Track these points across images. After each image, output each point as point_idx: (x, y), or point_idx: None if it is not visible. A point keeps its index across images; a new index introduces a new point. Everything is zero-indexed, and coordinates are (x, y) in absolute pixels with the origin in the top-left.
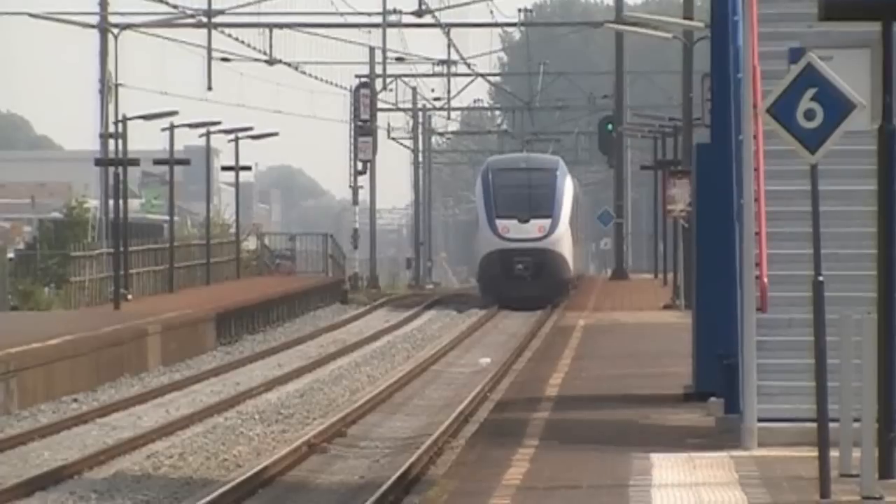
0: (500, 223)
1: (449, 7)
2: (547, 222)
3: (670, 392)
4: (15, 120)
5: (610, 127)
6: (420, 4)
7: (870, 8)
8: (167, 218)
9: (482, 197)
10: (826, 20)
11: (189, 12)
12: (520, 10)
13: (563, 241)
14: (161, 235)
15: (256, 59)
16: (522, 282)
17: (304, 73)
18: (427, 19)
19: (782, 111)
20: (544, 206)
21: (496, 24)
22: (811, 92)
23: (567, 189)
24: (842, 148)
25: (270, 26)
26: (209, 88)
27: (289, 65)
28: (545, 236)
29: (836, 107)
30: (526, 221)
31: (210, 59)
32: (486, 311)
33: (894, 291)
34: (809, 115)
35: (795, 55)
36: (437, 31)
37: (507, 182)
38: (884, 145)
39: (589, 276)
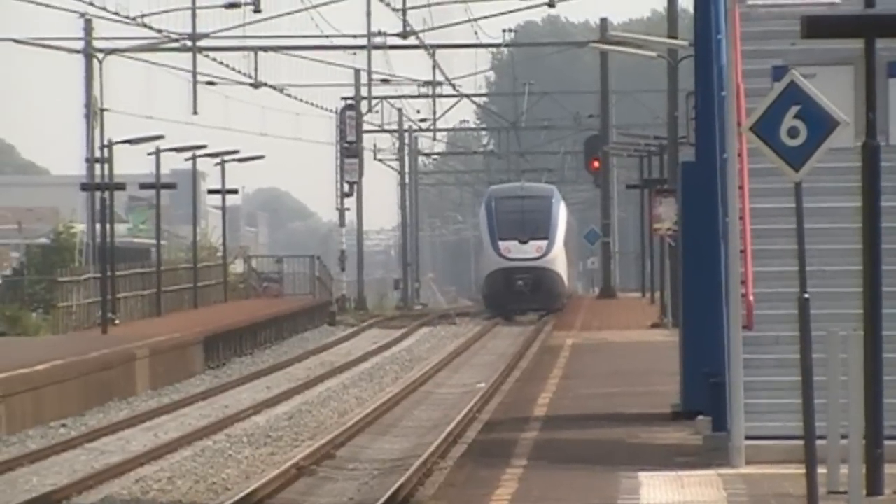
0: (502, 244)
1: (433, 28)
2: (544, 243)
3: (658, 410)
4: (0, 145)
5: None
6: (404, 26)
7: (852, 25)
8: (154, 242)
9: (486, 221)
10: (809, 38)
11: (174, 37)
12: (504, 31)
13: (559, 260)
14: (148, 259)
15: (242, 83)
16: (523, 296)
17: (289, 95)
18: (411, 41)
19: (766, 129)
20: (541, 229)
21: (480, 45)
22: (795, 109)
23: (561, 214)
24: (826, 165)
25: (255, 49)
26: (195, 112)
27: (274, 87)
28: (542, 256)
29: (820, 124)
30: (525, 243)
31: (195, 82)
32: (475, 330)
33: (880, 308)
34: (793, 132)
35: (779, 73)
36: (422, 52)
37: (508, 208)
38: (867, 162)
39: (577, 295)
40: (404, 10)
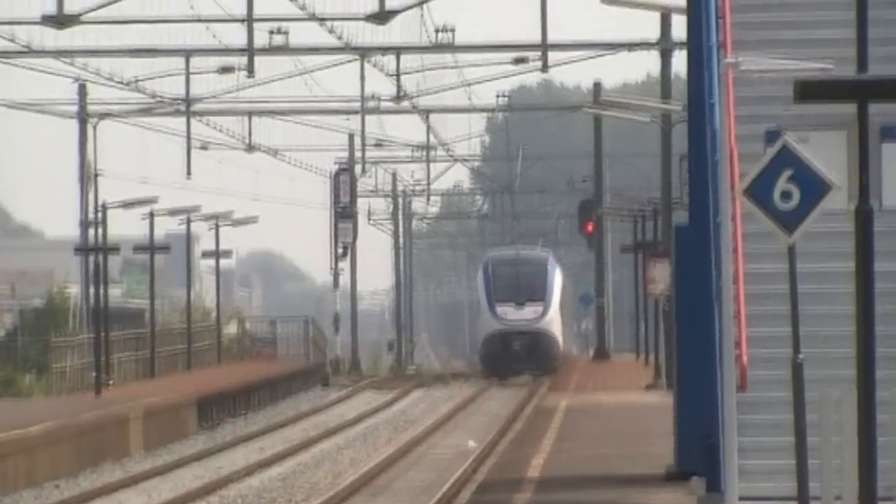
0: (499, 307)
1: (427, 93)
2: (540, 306)
3: (652, 472)
4: None
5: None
6: (398, 90)
7: (845, 89)
8: (148, 304)
9: (483, 285)
10: (802, 101)
11: (167, 100)
12: (498, 95)
13: (554, 323)
14: (142, 321)
15: (235, 147)
16: (519, 358)
17: (283, 159)
18: (405, 105)
19: (759, 192)
20: (537, 292)
21: (474, 110)
22: (788, 173)
23: (557, 278)
24: (819, 229)
25: (249, 113)
26: (189, 175)
27: (268, 151)
28: (538, 319)
29: (813, 188)
30: (522, 306)
31: (189, 146)
32: (470, 391)
33: (873, 371)
34: (786, 196)
35: (771, 136)
36: (416, 116)
37: (505, 272)
38: (861, 226)
39: (572, 357)
40: (398, 75)
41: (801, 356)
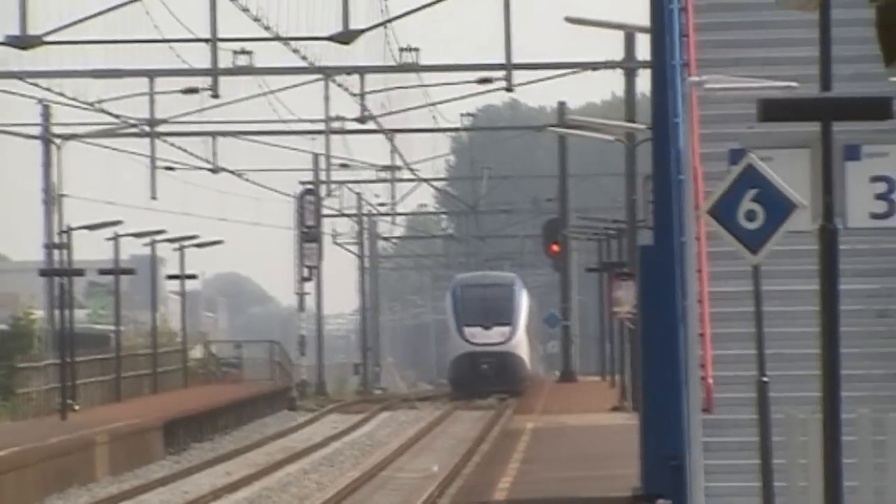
0: (467, 330)
1: (391, 113)
2: (507, 329)
3: (619, 494)
4: None
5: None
6: (362, 111)
7: (808, 108)
8: (114, 327)
9: (452, 309)
10: (765, 121)
11: (132, 122)
12: (462, 115)
13: (521, 344)
14: (108, 345)
15: (200, 167)
16: (487, 379)
17: (248, 180)
18: (370, 125)
19: (724, 212)
20: (504, 315)
21: (438, 130)
22: (752, 192)
23: (523, 301)
24: (784, 248)
25: (214, 134)
26: (153, 197)
27: (233, 172)
28: (506, 341)
29: (778, 207)
30: (489, 329)
31: (154, 168)
32: (436, 414)
33: (839, 391)
34: (751, 215)
35: (736, 156)
36: (381, 136)
37: (473, 296)
38: (825, 245)
39: (539, 378)
40: (362, 95)
41: (766, 377)
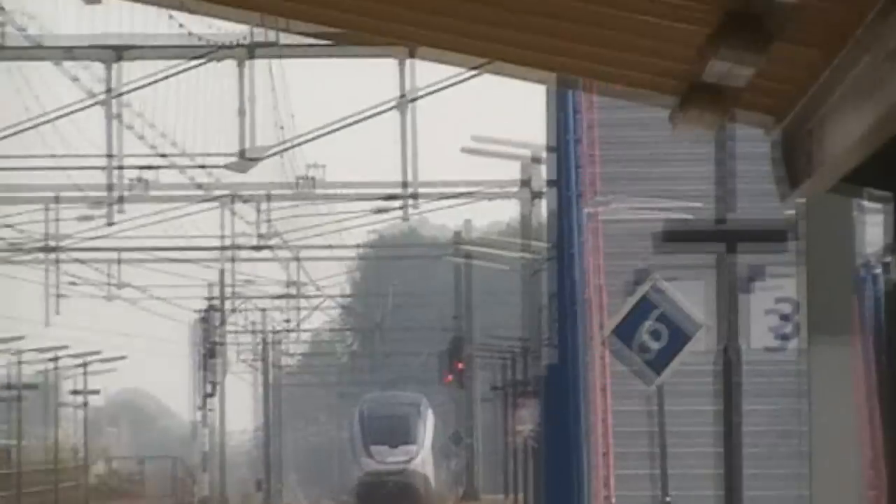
0: (373, 449)
1: (294, 230)
2: (412, 448)
3: None
4: None
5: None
6: (258, 237)
7: (710, 234)
8: (14, 443)
9: (359, 428)
10: (668, 242)
11: (29, 245)
12: (358, 246)
13: (427, 464)
14: (8, 461)
15: (103, 284)
16: (393, 497)
17: (151, 296)
18: (276, 241)
19: (627, 333)
20: (410, 435)
21: (340, 247)
22: (656, 313)
23: (429, 421)
24: (688, 367)
25: (118, 250)
26: (56, 313)
27: (136, 288)
28: (411, 460)
29: (682, 327)
30: (395, 447)
31: (57, 285)
32: None
33: None
34: (655, 335)
35: (640, 276)
36: (286, 253)
37: (380, 415)
38: (728, 365)
39: (443, 497)
40: (257, 222)
41: (669, 497)
